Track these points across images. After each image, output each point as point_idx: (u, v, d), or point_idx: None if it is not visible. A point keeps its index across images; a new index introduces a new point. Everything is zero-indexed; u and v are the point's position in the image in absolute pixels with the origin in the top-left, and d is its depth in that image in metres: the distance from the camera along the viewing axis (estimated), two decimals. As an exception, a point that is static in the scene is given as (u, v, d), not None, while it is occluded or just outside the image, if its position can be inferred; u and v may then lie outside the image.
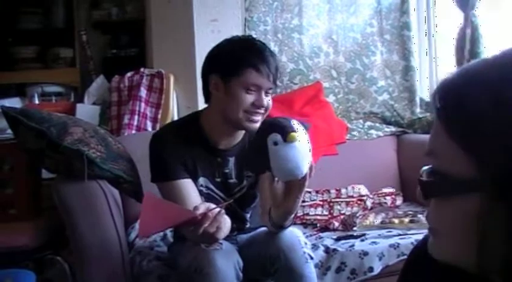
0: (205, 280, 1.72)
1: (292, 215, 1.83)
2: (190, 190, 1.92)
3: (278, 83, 3.17)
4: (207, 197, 1.95)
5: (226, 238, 1.93)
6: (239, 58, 1.89)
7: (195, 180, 1.96)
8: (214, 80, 1.92)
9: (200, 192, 1.97)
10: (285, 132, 1.63)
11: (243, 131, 2.00)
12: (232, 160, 2.01)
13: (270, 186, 1.76)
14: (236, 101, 1.89)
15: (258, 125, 1.91)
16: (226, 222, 1.74)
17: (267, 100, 1.92)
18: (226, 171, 2.00)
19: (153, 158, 1.96)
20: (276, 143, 1.64)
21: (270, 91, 1.94)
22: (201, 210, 1.64)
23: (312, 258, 1.88)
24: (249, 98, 1.88)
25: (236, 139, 2.02)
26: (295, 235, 1.89)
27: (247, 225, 2.09)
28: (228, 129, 1.97)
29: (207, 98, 2.00)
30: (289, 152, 1.63)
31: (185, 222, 1.66)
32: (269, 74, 1.88)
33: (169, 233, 2.31)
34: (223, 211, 1.67)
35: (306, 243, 1.89)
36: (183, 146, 1.94)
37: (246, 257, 1.86)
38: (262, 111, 1.92)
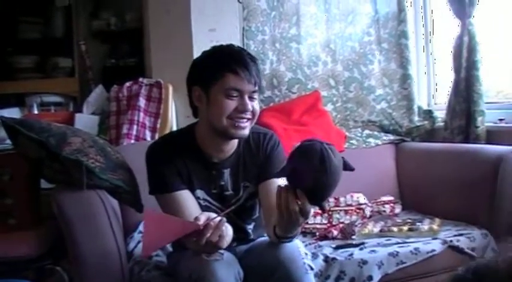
0: None
1: (300, 228, 1.81)
2: (189, 201, 1.92)
3: (276, 92, 3.20)
4: (205, 209, 1.94)
5: (227, 248, 1.93)
6: (216, 63, 1.86)
7: (192, 192, 1.96)
8: (197, 91, 1.91)
9: (198, 204, 1.96)
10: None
11: (236, 142, 1.99)
12: (227, 172, 2.00)
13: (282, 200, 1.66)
14: (218, 108, 1.85)
15: (246, 131, 1.89)
16: (228, 231, 1.73)
17: (252, 105, 1.88)
18: (222, 183, 2.00)
19: (150, 170, 1.96)
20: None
21: (255, 95, 1.89)
22: (202, 220, 1.63)
23: (312, 269, 1.87)
24: (231, 103, 1.85)
25: (229, 151, 1.99)
26: (295, 246, 1.87)
27: (251, 237, 2.08)
28: (218, 141, 1.94)
29: (195, 113, 1.99)
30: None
31: (188, 234, 1.65)
32: (249, 77, 1.84)
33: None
34: (224, 219, 1.66)
35: (306, 254, 1.88)
36: (178, 159, 1.94)
37: (246, 267, 1.86)
38: (247, 116, 1.88)
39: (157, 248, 1.68)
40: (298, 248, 1.87)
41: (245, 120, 1.88)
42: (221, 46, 1.94)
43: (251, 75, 1.84)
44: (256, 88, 1.88)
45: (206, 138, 1.95)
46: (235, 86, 1.84)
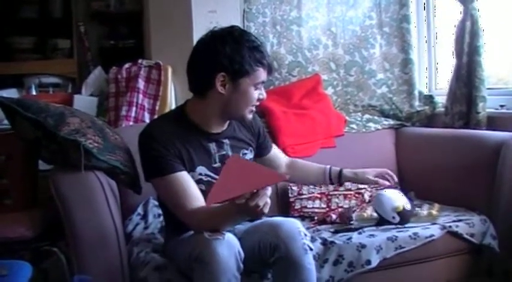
0: (205, 269, 1.72)
1: None
2: (189, 182, 1.93)
3: (277, 75, 3.18)
4: (207, 185, 1.96)
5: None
6: (250, 59, 1.95)
7: (194, 169, 1.98)
8: (222, 78, 1.95)
9: (200, 180, 1.99)
10: None
11: None
12: (227, 142, 2.08)
13: None
14: (246, 98, 2.00)
15: None
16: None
17: None
18: (223, 153, 2.06)
19: (145, 155, 1.96)
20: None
21: None
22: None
23: (311, 249, 1.89)
24: (256, 94, 2.01)
25: (226, 123, 2.11)
26: (295, 226, 1.89)
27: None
28: (221, 121, 2.07)
29: (203, 93, 2.00)
30: None
31: (266, 185, 1.66)
32: (272, 70, 2.08)
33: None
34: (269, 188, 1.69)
35: (305, 235, 1.89)
36: (175, 139, 1.95)
37: (245, 247, 1.85)
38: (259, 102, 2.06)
39: (227, 198, 1.66)
40: (298, 228, 1.89)
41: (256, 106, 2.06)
42: (240, 34, 1.99)
43: (272, 68, 2.13)
44: None
45: (209, 118, 2.03)
46: (264, 79, 2.02)
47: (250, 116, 2.07)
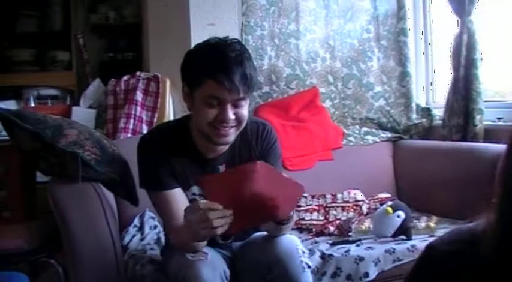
0: None
1: (291, 224, 1.84)
2: (180, 199, 1.88)
3: (274, 87, 3.18)
4: None
5: (222, 245, 1.92)
6: (200, 68, 1.76)
7: (188, 188, 1.93)
8: (184, 88, 1.85)
9: (194, 200, 1.91)
10: None
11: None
12: (222, 168, 1.94)
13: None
14: (199, 114, 1.79)
15: (230, 138, 1.82)
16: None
17: (237, 111, 1.77)
18: None
19: (142, 165, 1.92)
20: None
21: (242, 102, 1.77)
22: None
23: (309, 267, 1.86)
24: (211, 111, 1.75)
25: (223, 149, 1.92)
26: (293, 244, 1.86)
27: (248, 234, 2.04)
28: (208, 142, 1.88)
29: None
30: None
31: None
32: (231, 86, 1.70)
33: (162, 236, 2.30)
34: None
35: (303, 252, 1.87)
36: (172, 156, 1.89)
37: (242, 264, 1.84)
38: (230, 124, 1.78)
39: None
40: (295, 245, 1.85)
41: (227, 128, 1.79)
42: (214, 42, 1.80)
43: (233, 83, 1.70)
44: (241, 96, 1.75)
45: (197, 136, 1.89)
46: (216, 94, 1.73)
47: (219, 139, 1.81)
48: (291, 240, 1.87)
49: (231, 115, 1.76)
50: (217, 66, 1.72)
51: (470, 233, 0.95)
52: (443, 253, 0.93)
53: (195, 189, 1.94)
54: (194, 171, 1.91)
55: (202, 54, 1.80)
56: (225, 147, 1.92)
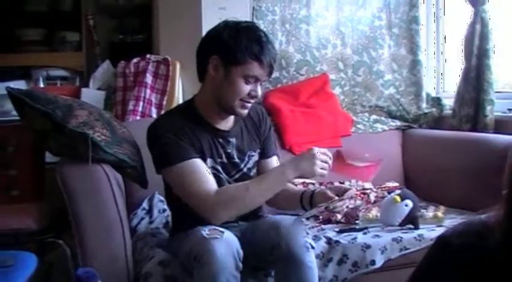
0: (204, 268, 1.71)
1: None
2: (205, 168, 1.95)
3: (284, 73, 3.18)
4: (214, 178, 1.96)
5: (229, 225, 1.93)
6: (245, 48, 1.91)
7: (204, 162, 1.97)
8: (215, 61, 1.94)
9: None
10: None
11: None
12: (233, 141, 2.06)
13: None
14: (234, 88, 1.95)
15: (247, 111, 2.02)
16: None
17: (260, 89, 2.00)
18: (229, 151, 2.05)
19: (157, 145, 1.96)
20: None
21: (264, 82, 2.06)
22: None
23: (313, 247, 1.88)
24: (247, 87, 1.95)
25: (231, 119, 2.08)
26: (297, 224, 1.90)
27: (257, 212, 2.08)
28: (220, 112, 2.02)
29: (202, 77, 2.02)
30: None
31: None
32: (270, 68, 1.96)
33: (171, 220, 2.31)
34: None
35: (307, 233, 1.89)
36: (187, 129, 1.96)
37: (247, 244, 1.85)
38: (254, 100, 2.00)
39: None
40: (299, 226, 1.90)
41: (251, 103, 2.00)
42: (249, 27, 1.98)
43: (270, 66, 1.96)
44: (269, 77, 2.03)
45: (209, 106, 2.02)
46: (256, 73, 1.94)
47: (242, 111, 2.00)
48: (295, 221, 1.93)
49: (260, 92, 2.00)
50: (262, 49, 1.92)
51: (482, 225, 0.94)
52: (457, 246, 0.93)
53: (209, 162, 1.99)
54: (208, 144, 2.00)
55: (244, 34, 1.93)
56: (233, 121, 2.08)
